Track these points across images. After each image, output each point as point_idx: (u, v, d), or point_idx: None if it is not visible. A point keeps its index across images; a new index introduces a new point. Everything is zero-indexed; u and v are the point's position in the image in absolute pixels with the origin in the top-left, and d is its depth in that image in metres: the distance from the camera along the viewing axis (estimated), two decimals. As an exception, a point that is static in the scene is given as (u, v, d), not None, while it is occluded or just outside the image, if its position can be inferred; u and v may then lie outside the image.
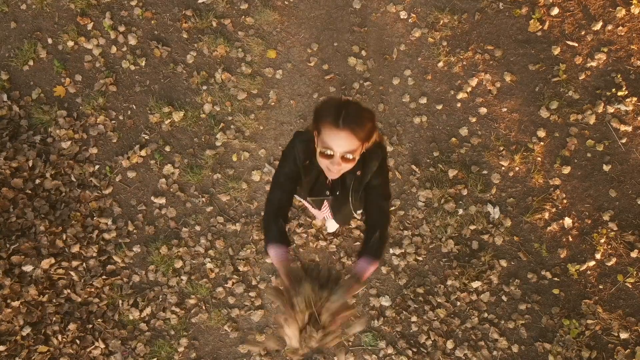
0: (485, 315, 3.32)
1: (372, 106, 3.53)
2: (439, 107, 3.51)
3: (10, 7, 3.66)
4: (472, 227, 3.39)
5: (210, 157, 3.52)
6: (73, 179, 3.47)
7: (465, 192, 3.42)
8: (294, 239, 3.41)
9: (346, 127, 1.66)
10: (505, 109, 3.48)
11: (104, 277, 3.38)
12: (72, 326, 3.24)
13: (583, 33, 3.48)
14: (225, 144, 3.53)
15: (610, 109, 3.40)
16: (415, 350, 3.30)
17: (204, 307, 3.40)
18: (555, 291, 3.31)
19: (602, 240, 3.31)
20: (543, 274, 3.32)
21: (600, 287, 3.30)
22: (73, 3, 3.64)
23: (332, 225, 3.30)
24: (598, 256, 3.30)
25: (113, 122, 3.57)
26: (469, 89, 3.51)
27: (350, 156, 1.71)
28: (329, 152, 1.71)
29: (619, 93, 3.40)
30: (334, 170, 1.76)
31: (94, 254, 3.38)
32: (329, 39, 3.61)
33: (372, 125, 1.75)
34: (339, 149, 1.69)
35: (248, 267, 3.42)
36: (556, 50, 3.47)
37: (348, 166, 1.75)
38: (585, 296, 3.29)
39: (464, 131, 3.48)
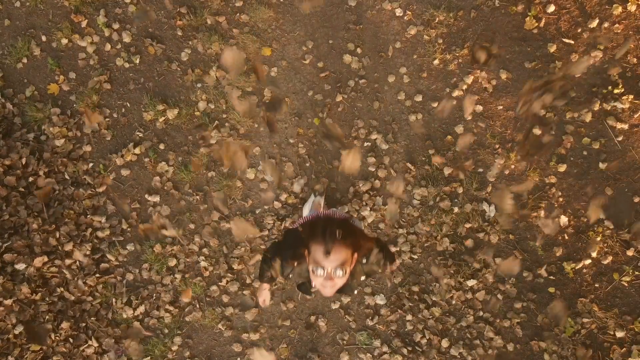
0: (481, 313, 3.30)
1: (367, 104, 3.52)
2: (435, 104, 3.50)
3: (4, 4, 3.64)
4: (468, 225, 3.38)
5: (205, 155, 3.50)
6: (67, 176, 3.45)
7: (460, 190, 3.41)
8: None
9: (332, 242, 1.73)
10: (501, 107, 3.47)
11: (97, 275, 3.36)
12: (65, 324, 3.22)
13: (579, 30, 3.46)
14: (219, 141, 3.52)
15: (607, 107, 3.38)
16: (410, 349, 3.28)
17: (197, 306, 3.38)
18: (551, 290, 3.29)
19: (598, 239, 3.29)
20: (539, 273, 3.31)
21: (596, 285, 3.29)
22: (67, 0, 3.62)
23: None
24: (594, 254, 3.29)
25: (107, 119, 3.56)
26: (465, 87, 3.49)
27: (340, 272, 1.76)
28: (320, 270, 1.76)
29: (615, 91, 3.38)
30: (327, 286, 1.81)
31: (88, 252, 3.37)
32: (324, 36, 3.59)
33: (359, 238, 1.85)
34: (329, 265, 1.75)
35: (242, 265, 3.41)
36: (552, 48, 3.45)
37: (341, 281, 1.80)
38: (581, 295, 3.28)
39: (459, 129, 3.47)
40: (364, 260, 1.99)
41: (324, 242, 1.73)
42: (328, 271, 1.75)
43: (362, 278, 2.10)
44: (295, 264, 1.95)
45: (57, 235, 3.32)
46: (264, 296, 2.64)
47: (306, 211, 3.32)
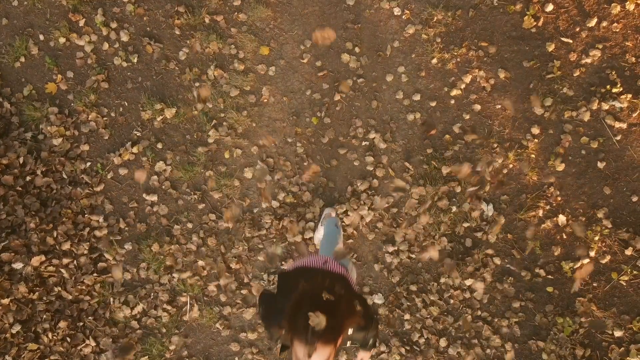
0: (479, 313, 3.30)
1: (365, 103, 3.51)
2: (433, 104, 3.49)
3: (2, 3, 3.64)
4: (466, 225, 3.37)
5: (202, 154, 3.50)
6: (64, 176, 3.45)
7: (458, 190, 3.40)
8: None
9: (314, 343, 1.66)
10: (499, 106, 3.46)
11: (95, 274, 3.35)
12: (62, 324, 3.22)
13: (578, 29, 3.46)
14: (217, 141, 3.51)
15: (605, 106, 3.38)
16: (408, 348, 3.28)
17: (195, 305, 3.38)
18: (549, 289, 3.29)
19: (597, 238, 3.29)
20: (537, 272, 3.30)
21: (595, 285, 3.28)
22: (65, -1, 3.62)
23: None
24: (592, 254, 3.28)
25: (105, 119, 3.55)
26: (463, 86, 3.49)
27: None
28: None
29: (614, 90, 3.38)
30: None
31: (85, 252, 3.36)
32: (322, 35, 3.59)
33: (343, 325, 1.77)
34: None
35: (240, 264, 3.40)
36: (550, 47, 3.45)
37: None
38: (579, 294, 3.27)
39: (457, 128, 3.46)
40: (350, 331, 1.95)
41: (305, 341, 1.66)
42: None
43: (348, 344, 2.09)
44: (283, 331, 1.90)
45: (55, 234, 3.32)
46: None
47: (320, 234, 3.30)
